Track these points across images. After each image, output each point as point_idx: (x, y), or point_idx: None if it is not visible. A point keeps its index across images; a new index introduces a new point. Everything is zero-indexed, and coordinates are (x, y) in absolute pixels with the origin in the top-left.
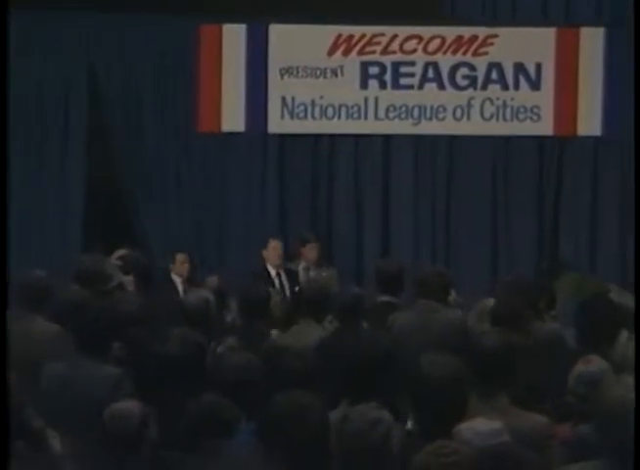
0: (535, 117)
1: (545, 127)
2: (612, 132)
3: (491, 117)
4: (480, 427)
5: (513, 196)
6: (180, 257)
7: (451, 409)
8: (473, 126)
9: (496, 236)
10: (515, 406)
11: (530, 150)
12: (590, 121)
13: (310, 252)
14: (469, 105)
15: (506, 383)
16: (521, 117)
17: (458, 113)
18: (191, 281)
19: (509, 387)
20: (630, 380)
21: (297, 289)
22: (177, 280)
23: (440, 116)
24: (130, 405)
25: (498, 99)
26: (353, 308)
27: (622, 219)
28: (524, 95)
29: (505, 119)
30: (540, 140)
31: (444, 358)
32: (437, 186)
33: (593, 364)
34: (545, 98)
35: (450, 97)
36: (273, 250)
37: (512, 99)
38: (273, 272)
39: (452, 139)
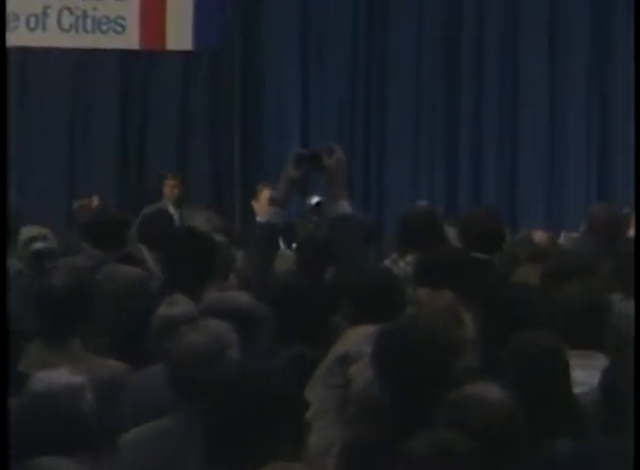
0: (120, 29)
1: (130, 40)
2: (203, 46)
3: (70, 27)
4: (57, 378)
5: (94, 114)
6: None
7: None
8: (49, 38)
9: (74, 162)
10: (90, 352)
11: (114, 64)
12: (180, 35)
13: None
14: (44, 14)
15: (79, 327)
16: (103, 28)
17: (32, 22)
18: None
19: (83, 331)
20: (209, 323)
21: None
22: None
23: (12, 25)
24: None
25: (78, 8)
26: None
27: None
28: (107, 5)
29: (86, 31)
30: (125, 53)
31: None
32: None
33: (178, 306)
34: (130, 8)
35: (23, 4)
36: None
37: (94, 9)
38: None
39: (26, 51)
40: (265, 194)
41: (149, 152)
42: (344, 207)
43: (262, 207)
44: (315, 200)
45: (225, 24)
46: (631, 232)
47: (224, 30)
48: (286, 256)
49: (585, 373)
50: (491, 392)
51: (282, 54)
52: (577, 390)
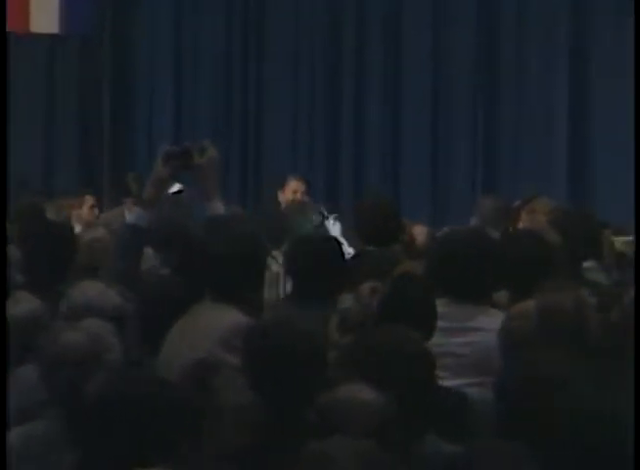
0: None
1: None
2: (70, 29)
3: None
4: None
5: None
6: None
7: None
8: None
9: None
10: None
11: None
12: (45, 17)
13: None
14: None
15: None
16: None
17: None
18: None
19: None
20: (89, 323)
21: None
22: None
23: None
24: None
25: None
26: None
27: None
28: None
29: None
30: None
31: None
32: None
33: (22, 304)
34: None
35: None
36: None
37: None
38: None
39: None
40: (292, 186)
41: (12, 140)
42: (217, 208)
43: (287, 198)
44: (176, 188)
45: (95, 8)
46: (519, 225)
47: (94, 14)
48: (151, 259)
49: (463, 340)
50: (363, 392)
51: (155, 45)
52: (458, 361)
